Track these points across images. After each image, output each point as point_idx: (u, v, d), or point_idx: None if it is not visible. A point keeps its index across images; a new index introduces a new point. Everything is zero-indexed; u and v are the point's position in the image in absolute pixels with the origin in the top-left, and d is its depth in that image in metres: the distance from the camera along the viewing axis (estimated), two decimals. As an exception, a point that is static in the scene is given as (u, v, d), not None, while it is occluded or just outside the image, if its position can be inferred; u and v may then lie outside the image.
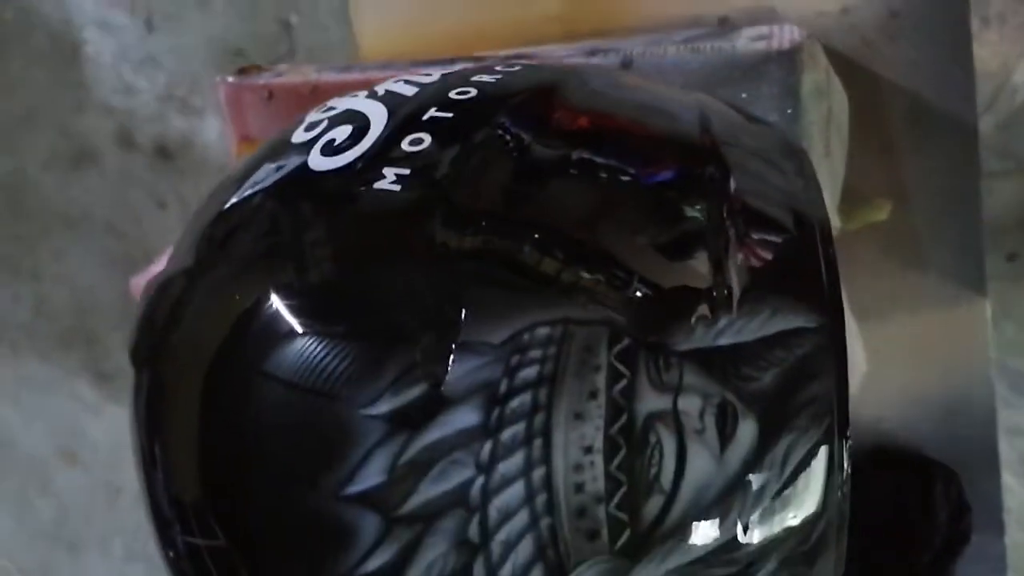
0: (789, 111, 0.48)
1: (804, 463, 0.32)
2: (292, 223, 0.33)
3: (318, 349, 0.31)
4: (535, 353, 0.30)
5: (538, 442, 0.30)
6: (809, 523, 0.33)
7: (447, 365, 0.30)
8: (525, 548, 0.30)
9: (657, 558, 0.31)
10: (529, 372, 0.30)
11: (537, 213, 0.32)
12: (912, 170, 0.64)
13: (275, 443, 0.32)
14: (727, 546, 0.32)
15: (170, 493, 0.34)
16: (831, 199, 0.58)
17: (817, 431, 0.32)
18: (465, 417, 0.30)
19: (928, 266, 0.66)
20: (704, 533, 0.31)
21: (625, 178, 0.34)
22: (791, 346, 0.32)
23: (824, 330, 0.33)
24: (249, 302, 0.33)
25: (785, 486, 0.32)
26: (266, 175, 0.35)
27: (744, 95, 0.48)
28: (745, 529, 0.32)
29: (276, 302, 0.32)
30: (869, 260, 0.67)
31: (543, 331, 0.30)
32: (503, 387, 0.30)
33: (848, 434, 0.34)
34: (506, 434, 0.30)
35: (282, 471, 0.32)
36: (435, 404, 0.30)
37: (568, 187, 0.33)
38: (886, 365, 0.64)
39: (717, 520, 0.31)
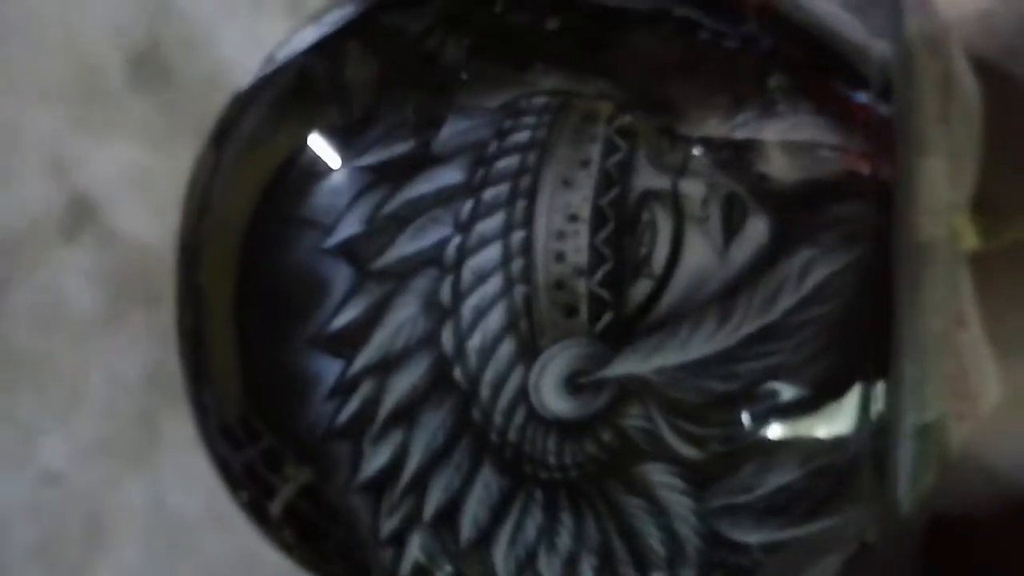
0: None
1: (828, 283, 0.29)
2: (330, 67, 0.33)
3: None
4: (529, 119, 0.29)
5: (521, 203, 0.28)
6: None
7: (439, 125, 0.29)
8: (496, 316, 0.28)
9: (642, 351, 0.28)
10: (521, 136, 0.29)
11: (610, 59, 0.31)
12: (1059, 186, 0.59)
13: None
14: (726, 355, 0.28)
15: (220, 423, 0.34)
16: (955, 187, 0.54)
17: (845, 255, 0.29)
18: (449, 175, 0.29)
19: (1078, 296, 0.60)
20: (699, 334, 0.28)
21: (730, 44, 0.32)
22: (820, 157, 0.30)
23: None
24: (285, 154, 0.32)
25: (800, 307, 0.29)
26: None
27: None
28: (748, 341, 0.29)
29: (318, 144, 0.32)
30: (1010, 287, 0.61)
31: (541, 99, 0.29)
32: (492, 148, 0.29)
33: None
34: (488, 193, 0.29)
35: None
36: (421, 160, 0.29)
37: (654, 38, 0.32)
38: (1026, 410, 0.57)
39: (715, 322, 0.28)
